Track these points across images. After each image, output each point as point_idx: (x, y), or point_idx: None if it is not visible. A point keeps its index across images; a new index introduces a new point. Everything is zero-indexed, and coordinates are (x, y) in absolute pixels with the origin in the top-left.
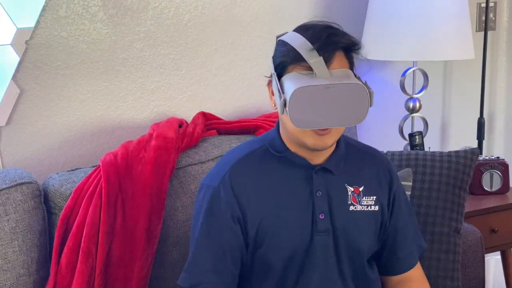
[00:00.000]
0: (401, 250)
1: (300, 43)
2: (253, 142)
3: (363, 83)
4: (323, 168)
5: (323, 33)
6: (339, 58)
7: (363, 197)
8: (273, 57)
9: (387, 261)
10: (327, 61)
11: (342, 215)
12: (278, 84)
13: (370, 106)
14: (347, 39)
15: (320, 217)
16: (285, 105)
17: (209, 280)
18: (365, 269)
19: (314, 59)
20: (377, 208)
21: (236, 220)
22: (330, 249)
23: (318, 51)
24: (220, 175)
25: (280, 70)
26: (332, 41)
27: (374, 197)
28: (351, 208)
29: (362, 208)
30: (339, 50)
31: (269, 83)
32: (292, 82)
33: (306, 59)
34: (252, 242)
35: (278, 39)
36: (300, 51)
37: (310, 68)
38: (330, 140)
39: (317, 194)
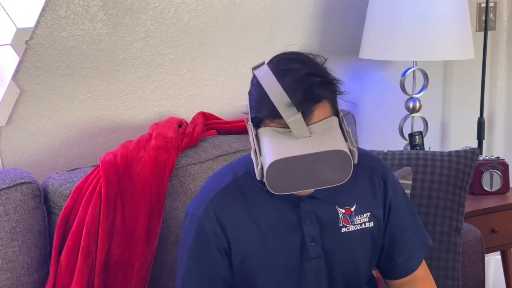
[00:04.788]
0: (399, 255)
1: (276, 95)
2: (238, 165)
3: (345, 127)
4: (310, 197)
5: (303, 84)
6: (320, 107)
7: (355, 217)
8: (250, 98)
9: (386, 266)
10: (306, 117)
11: (333, 239)
12: (255, 141)
13: (354, 163)
14: (328, 89)
15: (311, 244)
16: (262, 173)
17: None
18: (361, 284)
19: (292, 118)
20: (372, 224)
21: (222, 250)
22: (323, 273)
23: (296, 106)
24: (203, 204)
25: (256, 121)
26: (313, 95)
27: (368, 214)
28: (343, 230)
29: (355, 227)
30: (320, 102)
31: (247, 121)
32: (269, 147)
33: (283, 117)
34: (237, 272)
35: (254, 71)
36: (277, 106)
37: (287, 125)
38: (312, 189)
39: (306, 222)
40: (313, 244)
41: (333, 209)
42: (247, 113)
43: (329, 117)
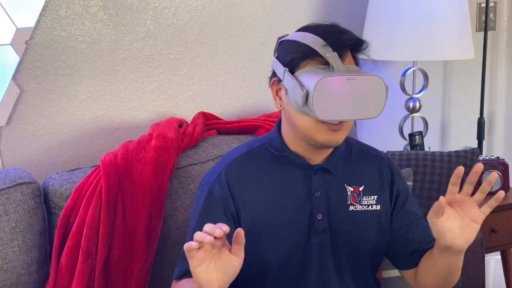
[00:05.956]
0: (429, 242)
1: (312, 39)
2: (254, 141)
3: None
4: (322, 168)
5: (335, 30)
6: (349, 56)
7: (363, 197)
8: (278, 57)
9: (417, 257)
10: (341, 57)
11: (341, 215)
12: (294, 79)
13: (386, 99)
14: (356, 38)
15: (318, 217)
16: (306, 98)
17: None
18: (366, 269)
19: (330, 54)
20: (378, 207)
21: (230, 216)
22: (328, 249)
23: (331, 47)
24: (217, 171)
25: (292, 66)
26: (344, 39)
27: (375, 197)
28: (351, 208)
29: (363, 208)
30: (349, 48)
31: (274, 83)
32: (312, 75)
33: (321, 54)
34: (247, 239)
35: (281, 40)
36: (313, 47)
37: (325, 63)
38: (342, 137)
39: (316, 195)
40: (321, 217)
41: (342, 187)
42: (271, 77)
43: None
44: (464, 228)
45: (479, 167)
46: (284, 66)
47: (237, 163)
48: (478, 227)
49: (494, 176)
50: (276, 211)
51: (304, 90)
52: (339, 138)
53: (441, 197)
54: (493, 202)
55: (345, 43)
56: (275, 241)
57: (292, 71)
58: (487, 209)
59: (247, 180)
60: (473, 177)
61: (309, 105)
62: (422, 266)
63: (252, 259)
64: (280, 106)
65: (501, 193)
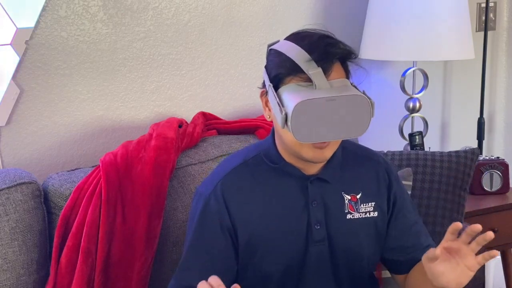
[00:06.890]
0: (420, 251)
1: (296, 53)
2: (249, 150)
3: (361, 92)
4: (318, 178)
5: (320, 43)
6: (336, 68)
7: (360, 204)
8: (266, 68)
9: (409, 265)
10: (326, 72)
11: (338, 224)
12: (277, 97)
13: (372, 117)
14: (343, 48)
15: (316, 227)
16: (286, 119)
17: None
18: (364, 273)
19: (313, 70)
20: (376, 214)
21: (225, 230)
22: (326, 258)
23: (316, 62)
24: (213, 184)
25: (277, 82)
26: (330, 52)
27: (373, 203)
28: (349, 216)
29: (360, 215)
30: (336, 60)
31: (263, 94)
32: (292, 95)
33: (304, 70)
34: (244, 252)
35: (270, 48)
36: (297, 62)
37: (308, 80)
38: (329, 153)
39: (313, 204)
40: (319, 227)
41: (340, 195)
42: (262, 88)
43: (345, 79)
44: (458, 274)
45: (477, 227)
46: (270, 80)
47: (233, 175)
48: (472, 274)
49: (490, 235)
50: (273, 223)
51: (283, 112)
52: (326, 154)
53: (437, 249)
54: (486, 256)
55: (331, 56)
56: (274, 253)
57: (277, 86)
58: (482, 260)
59: (243, 192)
60: (469, 234)
61: (288, 126)
62: (414, 279)
63: (251, 272)
64: (269, 117)
65: (490, 234)
